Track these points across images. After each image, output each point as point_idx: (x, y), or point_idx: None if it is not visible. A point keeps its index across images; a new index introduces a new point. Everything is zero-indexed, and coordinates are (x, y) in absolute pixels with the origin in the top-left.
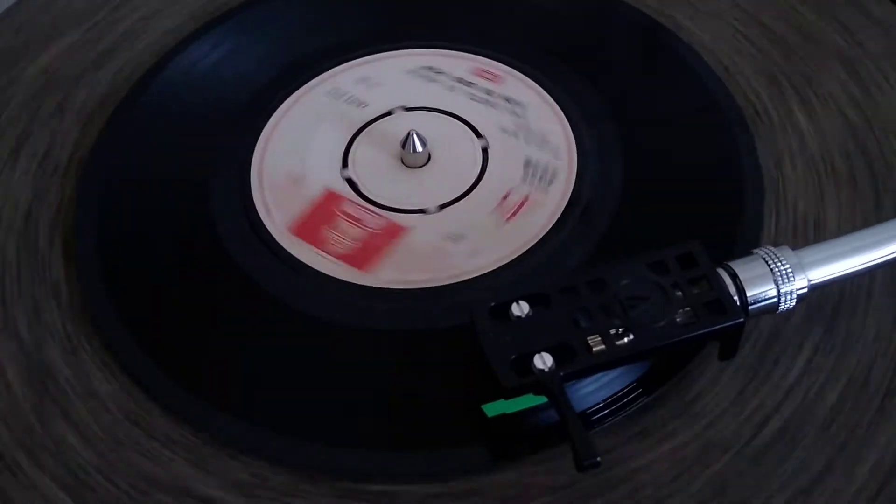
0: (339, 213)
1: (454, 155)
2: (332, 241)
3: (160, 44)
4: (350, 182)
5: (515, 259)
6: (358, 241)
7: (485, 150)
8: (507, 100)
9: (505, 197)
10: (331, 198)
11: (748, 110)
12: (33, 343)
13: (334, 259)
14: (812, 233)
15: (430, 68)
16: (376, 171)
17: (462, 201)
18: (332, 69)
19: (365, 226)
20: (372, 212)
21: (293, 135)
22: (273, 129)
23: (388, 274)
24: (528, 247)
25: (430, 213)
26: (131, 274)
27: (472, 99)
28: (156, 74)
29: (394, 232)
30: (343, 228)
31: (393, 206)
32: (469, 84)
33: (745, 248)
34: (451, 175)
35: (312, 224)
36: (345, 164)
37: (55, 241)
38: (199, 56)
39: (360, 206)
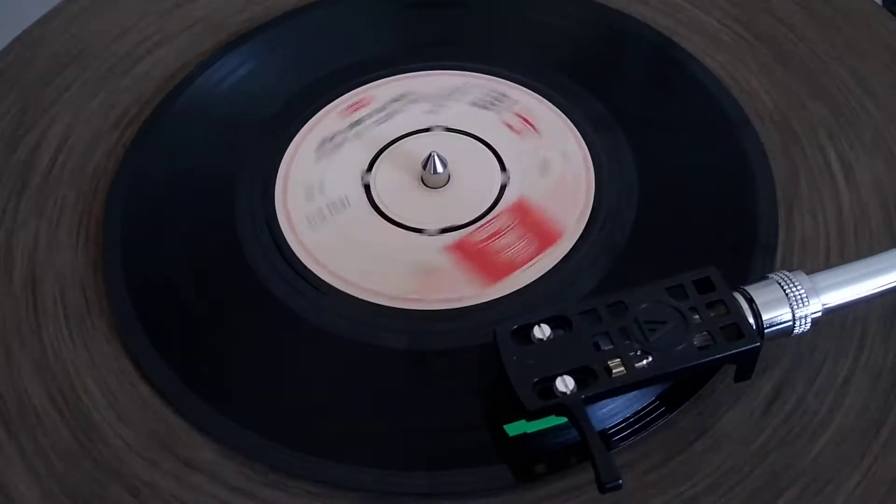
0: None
1: (473, 184)
2: None
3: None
4: (366, 188)
5: (491, 301)
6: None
7: (503, 186)
8: (543, 141)
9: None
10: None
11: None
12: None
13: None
14: (823, 243)
15: (485, 94)
16: (395, 183)
17: (462, 230)
18: (376, 81)
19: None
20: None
21: (324, 143)
22: (303, 137)
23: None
24: (505, 294)
25: (428, 234)
26: (152, 271)
27: (511, 132)
28: (194, 79)
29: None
30: None
31: (397, 220)
32: (514, 117)
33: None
34: (462, 203)
35: None
36: (368, 169)
37: (80, 231)
38: (238, 64)
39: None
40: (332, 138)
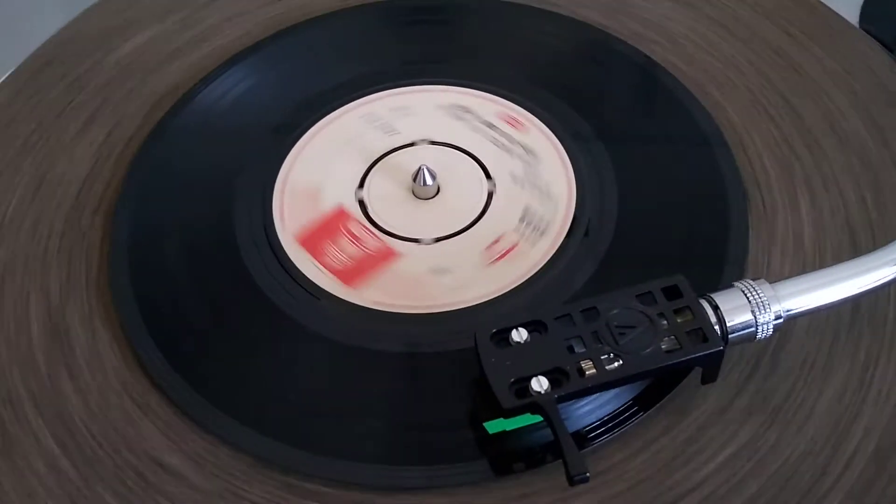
0: (342, 230)
1: (461, 192)
2: (331, 256)
3: (230, 47)
4: (361, 203)
5: (489, 301)
6: (353, 260)
7: (490, 194)
8: (525, 148)
9: (496, 241)
10: (340, 215)
11: (761, 201)
12: (59, 305)
13: (327, 272)
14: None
15: (462, 107)
16: (388, 196)
17: (456, 238)
18: (372, 94)
19: (362, 245)
20: (372, 233)
21: (322, 151)
22: (307, 142)
23: (371, 294)
24: (504, 292)
25: (423, 243)
26: (152, 257)
27: (491, 142)
28: (207, 85)
29: (387, 255)
30: (342, 245)
31: (393, 231)
32: (493, 127)
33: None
34: (453, 211)
35: (317, 236)
36: (361, 185)
37: (95, 223)
38: (248, 73)
39: (363, 226)
40: (337, 141)
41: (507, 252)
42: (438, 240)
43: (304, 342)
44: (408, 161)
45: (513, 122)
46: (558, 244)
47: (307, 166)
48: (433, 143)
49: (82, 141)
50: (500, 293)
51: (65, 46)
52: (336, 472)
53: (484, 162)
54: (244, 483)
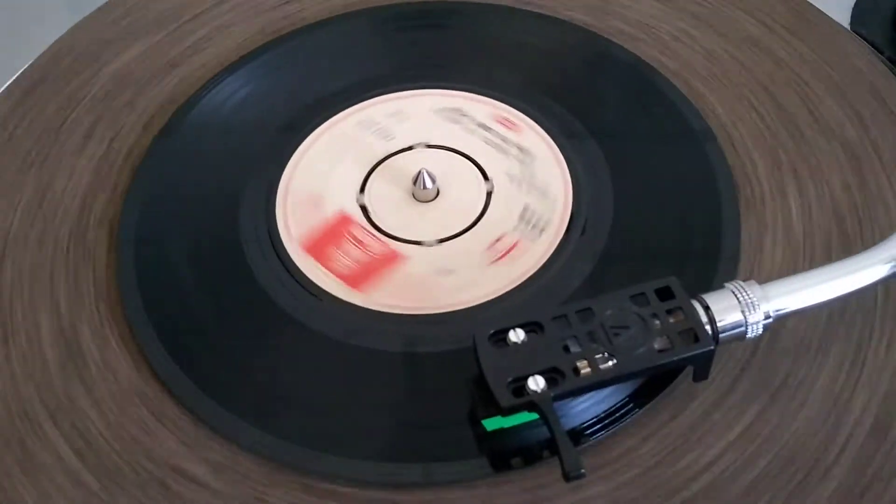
0: (346, 235)
1: (460, 194)
2: (337, 261)
3: (224, 57)
4: (363, 208)
5: (496, 298)
6: (359, 264)
7: (489, 194)
8: (520, 148)
9: (497, 240)
10: (343, 220)
11: (751, 193)
12: (69, 319)
13: (334, 277)
14: (781, 233)
15: (457, 110)
16: (389, 200)
17: (458, 238)
18: (368, 100)
19: (366, 249)
20: (376, 237)
21: (322, 158)
22: (306, 150)
23: (379, 297)
24: (509, 289)
25: (426, 245)
26: (159, 267)
27: (487, 143)
28: (202, 96)
29: (391, 258)
30: (347, 249)
31: (396, 234)
32: (488, 129)
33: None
34: (454, 212)
35: (322, 242)
36: (362, 190)
37: (100, 236)
38: (245, 81)
39: (367, 230)
40: (336, 147)
41: (509, 251)
42: (441, 241)
43: (317, 347)
44: (406, 165)
45: (506, 123)
46: (558, 241)
47: (307, 174)
48: (430, 146)
49: (82, 155)
50: (504, 291)
51: (58, 61)
52: (356, 472)
53: (480, 163)
54: (266, 487)
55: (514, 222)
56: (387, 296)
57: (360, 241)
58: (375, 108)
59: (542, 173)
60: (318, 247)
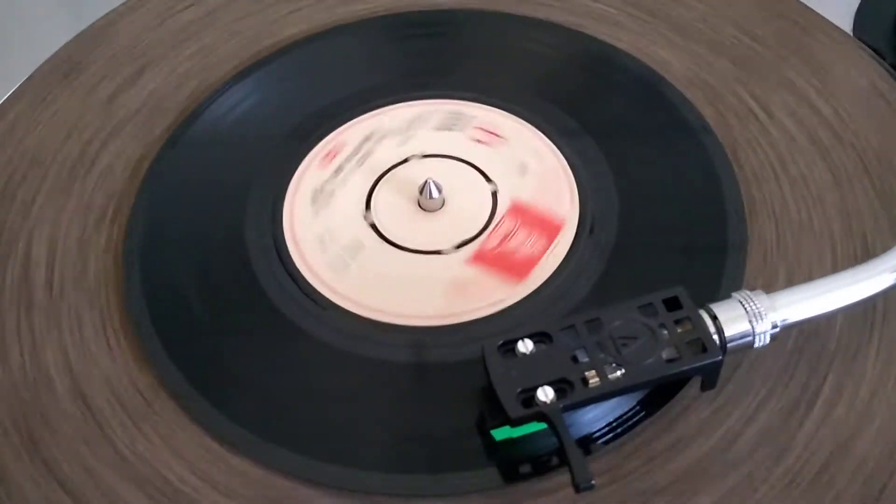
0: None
1: (466, 198)
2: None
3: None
4: (373, 227)
5: (531, 294)
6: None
7: (494, 194)
8: (514, 147)
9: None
10: (358, 246)
11: (727, 140)
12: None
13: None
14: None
15: (447, 117)
16: (397, 214)
17: (475, 241)
18: (348, 122)
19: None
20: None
21: (316, 187)
22: (297, 184)
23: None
24: (538, 285)
25: (446, 252)
26: (175, 313)
27: (481, 146)
28: (180, 136)
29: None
30: None
31: (412, 247)
32: (480, 132)
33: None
34: (463, 217)
35: None
36: (367, 208)
37: (109, 290)
38: (218, 115)
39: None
40: (322, 189)
41: (527, 245)
42: (459, 246)
43: (360, 369)
44: (407, 177)
45: (496, 126)
46: (573, 231)
47: (306, 204)
48: (426, 156)
49: (67, 206)
50: (536, 286)
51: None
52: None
53: (479, 166)
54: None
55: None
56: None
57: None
58: (362, 126)
59: (539, 168)
60: None
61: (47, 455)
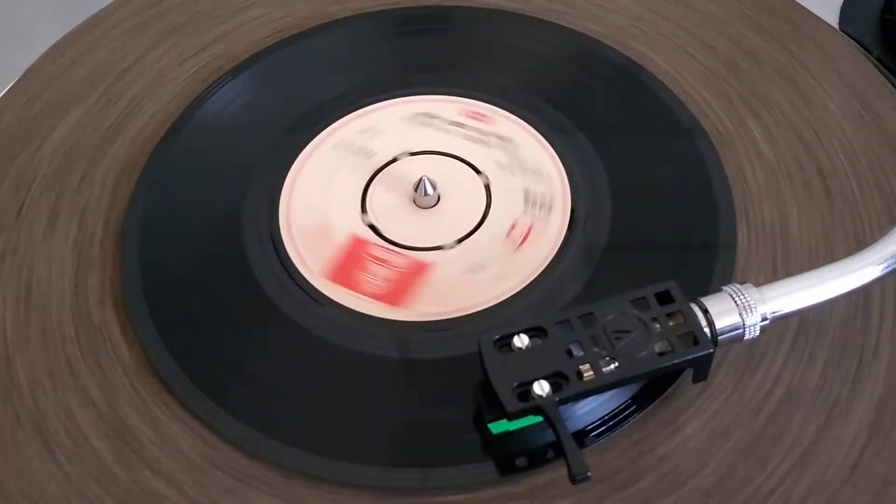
0: (367, 257)
1: (460, 192)
2: (366, 283)
3: (166, 111)
4: (371, 227)
5: (535, 280)
6: (389, 281)
7: (487, 187)
8: (499, 137)
9: (512, 227)
10: (357, 243)
11: (714, 135)
12: (106, 403)
13: (370, 299)
14: (778, 229)
15: (425, 114)
16: (393, 213)
17: (475, 235)
18: (334, 123)
19: (392, 266)
20: (396, 252)
21: (311, 187)
22: (293, 183)
23: (423, 308)
24: (543, 268)
25: (447, 248)
26: (182, 329)
27: (466, 139)
28: (166, 145)
29: (419, 269)
30: (373, 270)
31: (413, 244)
32: (461, 125)
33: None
34: (460, 211)
35: (345, 269)
36: (363, 209)
37: (108, 315)
38: (205, 119)
39: (384, 248)
40: (322, 175)
41: (527, 235)
42: (460, 241)
43: (384, 368)
44: (398, 175)
45: (477, 117)
46: (569, 215)
47: (304, 206)
48: (413, 153)
49: (54, 237)
50: (541, 271)
51: None
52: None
53: (468, 159)
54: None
55: (521, 207)
56: (427, 305)
57: (381, 260)
58: (346, 128)
59: (528, 156)
60: (343, 275)
61: None
